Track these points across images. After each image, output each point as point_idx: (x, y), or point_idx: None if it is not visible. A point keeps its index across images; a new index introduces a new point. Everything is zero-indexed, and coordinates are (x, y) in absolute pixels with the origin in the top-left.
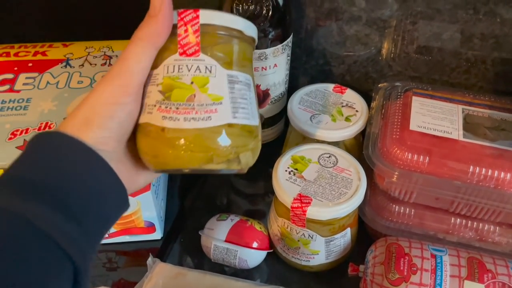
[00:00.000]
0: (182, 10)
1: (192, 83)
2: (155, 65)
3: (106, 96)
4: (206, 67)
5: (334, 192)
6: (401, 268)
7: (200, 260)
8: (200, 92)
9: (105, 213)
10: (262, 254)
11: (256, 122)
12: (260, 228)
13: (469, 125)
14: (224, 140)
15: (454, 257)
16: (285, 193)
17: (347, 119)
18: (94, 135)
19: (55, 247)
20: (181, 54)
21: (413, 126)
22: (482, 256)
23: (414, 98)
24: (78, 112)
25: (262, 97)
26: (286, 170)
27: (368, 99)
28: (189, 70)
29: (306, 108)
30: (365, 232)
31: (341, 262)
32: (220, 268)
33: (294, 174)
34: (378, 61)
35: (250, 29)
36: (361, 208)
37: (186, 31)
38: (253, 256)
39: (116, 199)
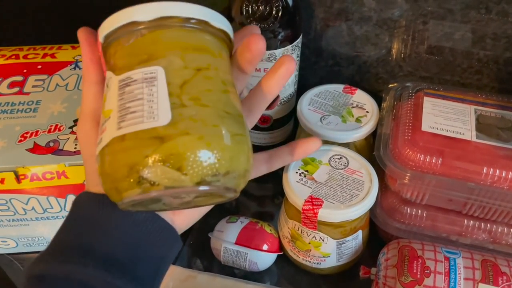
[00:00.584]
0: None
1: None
2: None
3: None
4: (106, 85)
5: (346, 194)
6: (414, 270)
7: (210, 263)
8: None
9: (164, 270)
10: (272, 257)
11: (163, 121)
12: (270, 230)
13: (482, 125)
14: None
15: (468, 259)
16: (296, 195)
17: (358, 120)
18: (180, 227)
19: None
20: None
21: (425, 127)
22: (496, 258)
23: (425, 98)
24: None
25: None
26: (296, 172)
27: (378, 100)
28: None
29: (316, 109)
30: (376, 235)
31: (352, 264)
32: (230, 271)
33: (305, 176)
34: (389, 62)
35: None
36: (372, 210)
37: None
38: (263, 259)
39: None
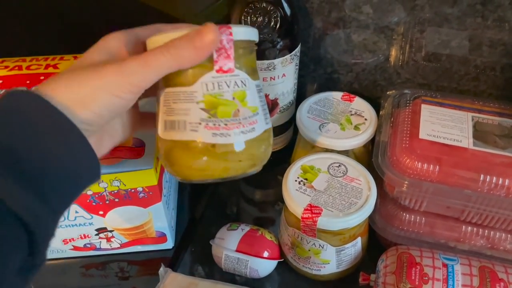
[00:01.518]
0: (218, 26)
1: (233, 98)
2: (183, 82)
3: (112, 86)
4: (242, 82)
5: (345, 202)
6: (413, 277)
7: (211, 270)
8: (242, 106)
9: (74, 188)
10: (273, 264)
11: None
12: (271, 237)
13: (479, 133)
14: (263, 145)
15: (466, 266)
16: (295, 203)
17: (356, 127)
18: (84, 117)
19: (5, 209)
20: (217, 71)
21: (423, 134)
22: (494, 264)
23: (423, 106)
24: (76, 86)
25: (270, 106)
26: (296, 180)
27: (377, 107)
28: (228, 86)
29: (315, 117)
30: (375, 241)
31: (352, 271)
32: (231, 277)
33: (304, 184)
34: (387, 69)
35: (257, 36)
36: (371, 217)
37: (221, 48)
38: (264, 266)
39: (90, 174)
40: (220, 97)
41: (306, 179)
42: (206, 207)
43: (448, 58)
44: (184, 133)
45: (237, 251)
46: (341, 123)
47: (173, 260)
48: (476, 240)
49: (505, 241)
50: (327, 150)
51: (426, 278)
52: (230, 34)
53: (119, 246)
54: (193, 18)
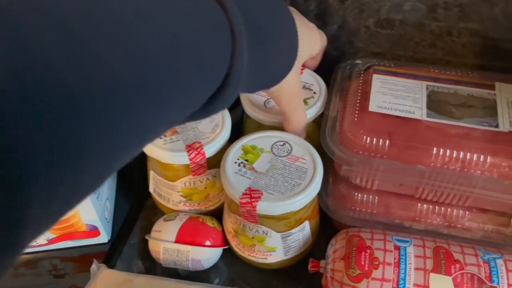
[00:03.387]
0: None
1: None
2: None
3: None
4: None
5: (287, 183)
6: (362, 263)
7: (153, 264)
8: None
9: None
10: (217, 252)
11: None
12: (213, 224)
13: (434, 103)
14: None
15: (420, 247)
16: (233, 188)
17: (304, 102)
18: None
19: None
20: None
21: (373, 107)
22: (450, 245)
23: (374, 76)
24: None
25: None
26: (235, 162)
27: (329, 81)
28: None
29: (260, 92)
30: (330, 225)
31: (303, 257)
32: (174, 271)
33: (244, 166)
34: (338, 38)
35: None
36: (323, 199)
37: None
38: (207, 255)
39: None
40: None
41: (246, 160)
42: (147, 196)
43: (401, 24)
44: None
45: (176, 242)
46: None
47: (109, 255)
48: (432, 219)
49: (463, 219)
50: (273, 128)
51: (377, 263)
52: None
53: (46, 242)
54: None
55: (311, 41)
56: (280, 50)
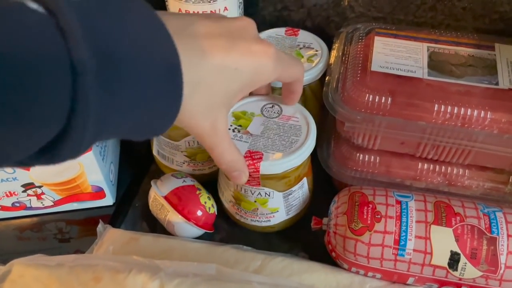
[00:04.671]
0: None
1: None
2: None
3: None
4: None
5: (285, 141)
6: (365, 216)
7: (158, 225)
8: None
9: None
10: (191, 228)
11: None
12: (205, 202)
13: (435, 62)
14: None
15: (421, 202)
16: None
17: (309, 60)
18: None
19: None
20: None
21: (375, 66)
22: (450, 200)
23: (376, 38)
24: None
25: None
26: (229, 129)
27: (331, 45)
28: None
29: None
30: (332, 185)
31: (303, 215)
32: None
33: (239, 131)
34: (339, 3)
35: None
36: (325, 160)
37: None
38: (182, 226)
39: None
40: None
41: (240, 125)
42: (152, 161)
43: None
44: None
45: (164, 197)
46: None
47: (114, 217)
48: (433, 178)
49: (463, 177)
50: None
51: (379, 216)
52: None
53: (52, 204)
54: None
55: (246, 74)
56: (145, 94)
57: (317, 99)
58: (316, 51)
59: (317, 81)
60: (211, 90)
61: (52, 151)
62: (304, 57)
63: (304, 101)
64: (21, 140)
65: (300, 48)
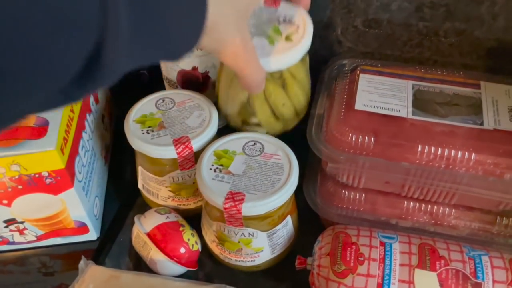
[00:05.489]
0: None
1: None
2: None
3: None
4: None
5: (267, 181)
6: (348, 258)
7: (142, 260)
8: None
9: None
10: (173, 266)
11: None
12: (189, 239)
13: (419, 101)
14: None
15: (405, 244)
16: (214, 194)
17: (288, 38)
18: None
19: None
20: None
21: (359, 105)
22: (435, 241)
23: (361, 75)
24: None
25: (201, 81)
26: (210, 169)
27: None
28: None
29: None
30: (318, 222)
31: (288, 252)
32: None
33: (221, 171)
34: (327, 37)
35: None
36: (311, 197)
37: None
38: (164, 264)
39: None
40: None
41: (221, 165)
42: (138, 195)
43: (389, 23)
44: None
45: (147, 234)
46: (269, 37)
47: (97, 252)
48: (419, 216)
49: (449, 216)
50: None
51: (362, 259)
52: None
53: (35, 238)
54: None
55: None
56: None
57: (299, 85)
58: (298, 27)
59: (298, 63)
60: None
61: (89, 74)
62: (283, 34)
63: (284, 87)
64: (60, 51)
65: (280, 23)
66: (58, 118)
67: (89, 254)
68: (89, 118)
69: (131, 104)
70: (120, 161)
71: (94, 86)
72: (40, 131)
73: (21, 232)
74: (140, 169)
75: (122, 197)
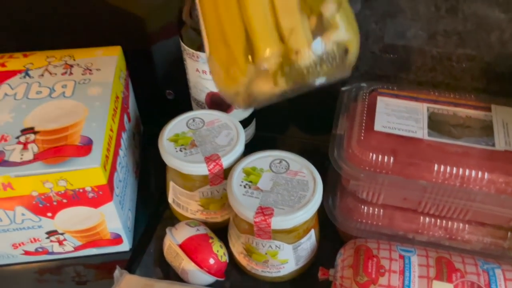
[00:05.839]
0: None
1: None
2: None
3: None
4: None
5: (293, 197)
6: (369, 270)
7: (171, 270)
8: None
9: None
10: (206, 277)
11: None
12: (218, 251)
13: (434, 123)
14: None
15: (423, 257)
16: (245, 209)
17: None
18: None
19: None
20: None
21: (378, 126)
22: (451, 255)
23: (379, 98)
24: None
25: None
26: (240, 185)
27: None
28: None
29: None
30: (337, 236)
31: (311, 265)
32: None
33: (250, 187)
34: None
35: None
36: (331, 211)
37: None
38: (195, 274)
39: None
40: None
41: (250, 181)
42: (167, 207)
43: (404, 49)
44: None
45: (179, 246)
46: None
47: (130, 262)
48: (434, 231)
49: (463, 231)
50: None
51: (383, 271)
52: None
53: (72, 249)
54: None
55: None
56: None
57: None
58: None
59: None
60: None
61: None
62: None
63: None
64: None
65: None
66: (101, 137)
67: (121, 264)
68: (124, 136)
69: (157, 122)
70: (147, 176)
71: None
72: (85, 149)
73: (60, 242)
74: (171, 184)
75: (150, 210)
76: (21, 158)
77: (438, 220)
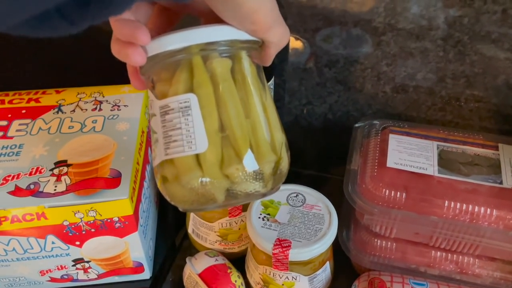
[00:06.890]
0: None
1: None
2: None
3: None
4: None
5: (310, 230)
6: None
7: None
8: None
9: None
10: None
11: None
12: (236, 281)
13: (444, 161)
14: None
15: None
16: (263, 240)
17: None
18: None
19: None
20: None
21: (391, 163)
22: None
23: (391, 135)
24: None
25: None
26: (259, 217)
27: (349, 136)
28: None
29: None
30: (351, 268)
31: None
32: None
33: (268, 220)
34: (358, 100)
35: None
36: (345, 244)
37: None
38: None
39: None
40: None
41: (268, 214)
42: (185, 236)
43: (415, 90)
44: None
45: (199, 275)
46: None
47: None
48: (445, 265)
49: (473, 266)
50: None
51: None
52: None
53: (96, 277)
54: None
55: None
56: None
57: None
58: None
59: None
60: None
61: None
62: None
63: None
64: None
65: None
66: (129, 170)
67: None
68: (148, 168)
69: None
70: (166, 206)
71: (100, 10)
72: (115, 181)
73: (85, 270)
74: (191, 215)
75: (169, 240)
76: (55, 190)
77: (449, 255)
